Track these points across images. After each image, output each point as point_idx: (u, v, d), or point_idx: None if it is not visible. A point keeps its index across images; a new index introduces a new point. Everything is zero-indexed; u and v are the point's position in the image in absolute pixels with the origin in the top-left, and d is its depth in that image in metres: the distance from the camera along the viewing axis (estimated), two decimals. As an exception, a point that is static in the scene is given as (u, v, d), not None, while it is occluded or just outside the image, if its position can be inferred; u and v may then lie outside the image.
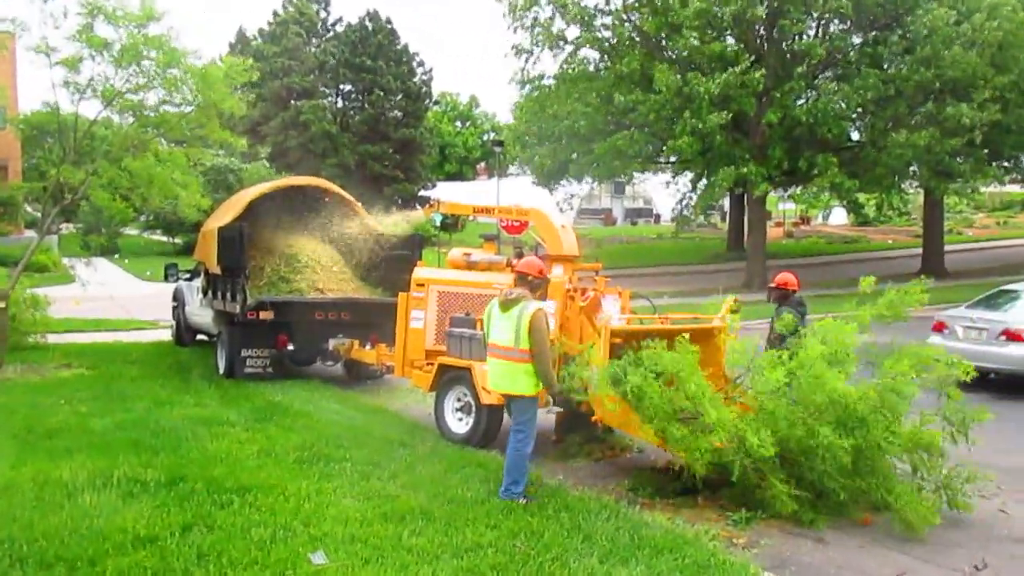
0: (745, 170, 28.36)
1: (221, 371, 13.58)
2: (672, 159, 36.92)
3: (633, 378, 7.43)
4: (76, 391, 11.85)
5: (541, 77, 34.38)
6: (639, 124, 30.36)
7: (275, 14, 55.78)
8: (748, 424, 7.39)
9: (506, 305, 7.54)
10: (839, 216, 59.35)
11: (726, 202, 54.10)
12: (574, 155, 33.83)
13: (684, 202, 36.30)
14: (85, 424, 9.82)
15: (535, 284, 7.75)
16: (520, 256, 10.47)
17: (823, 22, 30.72)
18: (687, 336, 7.88)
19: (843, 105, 28.69)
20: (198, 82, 13.95)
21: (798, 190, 41.70)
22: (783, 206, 57.26)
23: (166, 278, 17.66)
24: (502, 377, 7.55)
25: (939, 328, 14.34)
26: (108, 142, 15.64)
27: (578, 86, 31.60)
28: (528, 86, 34.74)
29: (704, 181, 33.36)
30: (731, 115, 27.60)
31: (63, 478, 7.43)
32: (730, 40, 30.30)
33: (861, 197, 33.74)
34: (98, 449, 8.54)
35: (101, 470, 7.68)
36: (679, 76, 27.78)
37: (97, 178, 14.71)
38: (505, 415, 8.68)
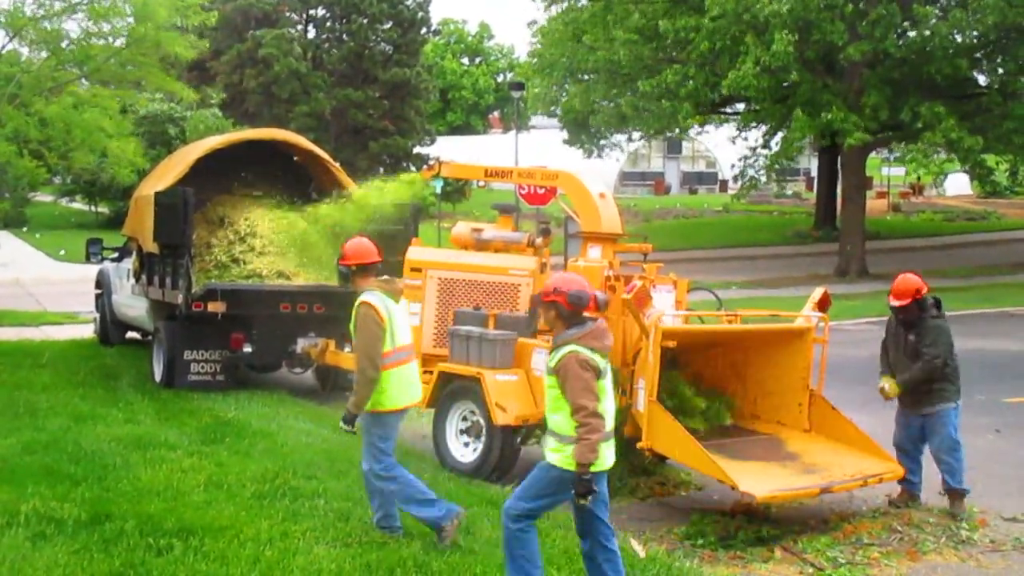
0: (830, 116, 28.03)
1: (158, 379, 13.65)
2: (739, 107, 36.58)
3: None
4: (-28, 403, 11.88)
5: None
6: (695, 61, 30.16)
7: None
8: None
9: None
10: (960, 184, 58.86)
11: (814, 166, 53.84)
12: (614, 96, 33.83)
13: (751, 160, 36.05)
14: (-16, 446, 9.85)
15: (357, 271, 7.59)
16: (546, 234, 10.47)
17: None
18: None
19: (956, 38, 28.25)
20: (137, 11, 13.96)
21: (902, 150, 41.24)
22: (888, 171, 56.77)
23: (88, 258, 17.72)
24: None
25: None
26: (15, 83, 15.69)
27: (618, 9, 31.50)
28: (555, 6, 34.78)
29: (780, 136, 33.17)
30: (814, 47, 27.23)
31: (-45, 516, 7.47)
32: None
33: (990, 159, 33.37)
34: (0, 478, 8.59)
35: (4, 505, 7.74)
36: None
37: (-1, 128, 14.80)
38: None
